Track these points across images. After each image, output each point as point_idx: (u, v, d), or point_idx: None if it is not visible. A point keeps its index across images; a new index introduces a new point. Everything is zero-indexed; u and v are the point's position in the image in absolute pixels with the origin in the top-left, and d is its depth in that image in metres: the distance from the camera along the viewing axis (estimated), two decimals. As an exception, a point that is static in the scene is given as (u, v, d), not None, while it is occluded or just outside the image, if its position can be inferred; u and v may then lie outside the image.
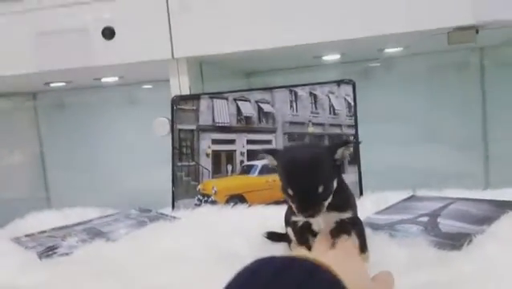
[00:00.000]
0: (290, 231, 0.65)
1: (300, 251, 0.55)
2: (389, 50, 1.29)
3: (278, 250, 0.70)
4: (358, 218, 0.60)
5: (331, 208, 0.55)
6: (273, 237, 0.73)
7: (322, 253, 0.51)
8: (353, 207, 0.60)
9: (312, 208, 0.52)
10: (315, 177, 0.51)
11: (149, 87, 1.82)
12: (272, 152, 0.57)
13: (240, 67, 1.42)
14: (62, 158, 1.84)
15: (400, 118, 1.52)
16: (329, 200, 0.53)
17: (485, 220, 0.73)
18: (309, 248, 0.58)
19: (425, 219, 0.78)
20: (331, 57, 1.31)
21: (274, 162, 0.57)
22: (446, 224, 0.74)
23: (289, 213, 0.65)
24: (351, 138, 0.92)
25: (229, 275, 0.62)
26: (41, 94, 1.81)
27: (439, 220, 0.77)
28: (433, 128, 1.58)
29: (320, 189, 0.51)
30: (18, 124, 1.81)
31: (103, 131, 1.77)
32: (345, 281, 0.37)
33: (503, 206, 0.80)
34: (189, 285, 0.58)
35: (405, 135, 1.60)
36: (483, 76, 1.53)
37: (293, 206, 0.54)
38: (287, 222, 0.66)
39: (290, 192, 0.52)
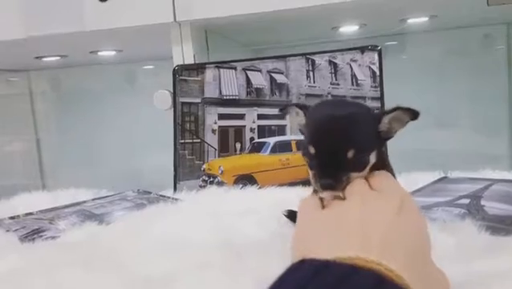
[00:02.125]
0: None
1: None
2: (412, 21, 1.17)
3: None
4: None
5: None
6: (293, 216, 0.63)
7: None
8: None
9: (334, 176, 0.40)
10: (346, 137, 0.40)
11: (151, 67, 1.73)
12: (302, 107, 0.46)
13: (248, 40, 1.31)
14: (58, 141, 1.74)
15: (420, 100, 1.41)
16: (360, 174, 0.41)
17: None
18: None
19: (466, 201, 0.68)
20: (349, 28, 1.20)
21: (303, 120, 0.45)
22: (492, 206, 0.64)
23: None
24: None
25: (238, 263, 0.53)
26: (35, 73, 1.71)
27: (483, 202, 0.66)
28: (455, 110, 1.48)
29: (350, 154, 0.39)
30: (12, 107, 1.71)
31: (101, 111, 1.66)
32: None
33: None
34: (193, 273, 0.48)
35: (424, 118, 1.49)
36: (510, 53, 1.42)
37: (311, 173, 0.42)
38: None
39: (312, 150, 0.40)
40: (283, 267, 0.48)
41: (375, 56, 0.86)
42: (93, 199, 0.90)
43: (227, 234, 0.60)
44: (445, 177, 0.84)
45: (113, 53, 1.35)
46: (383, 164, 0.43)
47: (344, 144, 0.39)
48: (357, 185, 0.40)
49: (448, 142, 1.38)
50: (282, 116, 0.90)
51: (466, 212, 0.62)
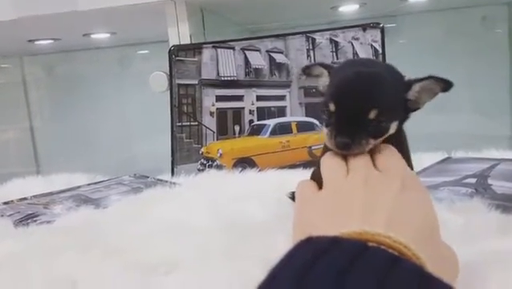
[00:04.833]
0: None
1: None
2: (413, 0, 1.14)
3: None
4: None
5: None
6: (296, 198, 0.61)
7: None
8: None
9: (353, 135, 0.37)
10: (371, 96, 0.37)
11: (145, 51, 1.70)
12: (327, 67, 0.43)
13: (246, 20, 1.27)
14: (52, 128, 1.71)
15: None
16: (378, 141, 0.39)
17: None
18: None
19: (473, 181, 0.66)
20: (349, 8, 1.17)
21: (327, 80, 0.42)
22: (500, 185, 0.62)
23: (317, 173, 0.53)
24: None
25: (242, 246, 0.51)
26: (28, 58, 1.67)
27: (490, 181, 0.65)
28: (455, 92, 1.45)
29: (372, 115, 0.37)
30: (5, 95, 1.68)
31: (96, 97, 1.63)
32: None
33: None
34: (197, 258, 0.46)
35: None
36: (511, 33, 1.39)
37: (327, 132, 0.39)
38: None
39: (332, 107, 0.38)
40: (289, 248, 0.47)
41: (378, 34, 0.84)
42: (89, 184, 0.87)
43: (229, 218, 0.58)
44: (449, 158, 0.83)
45: (107, 36, 1.32)
46: (397, 142, 0.41)
47: (367, 103, 0.37)
48: (360, 161, 0.38)
49: (448, 124, 1.36)
50: (282, 98, 0.88)
51: (474, 191, 0.61)
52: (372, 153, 0.39)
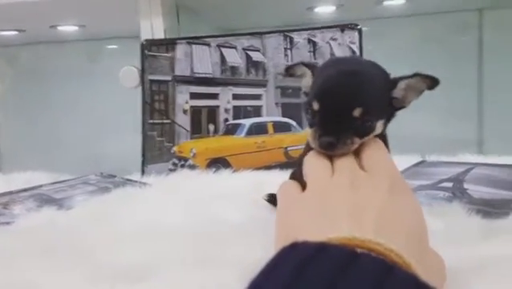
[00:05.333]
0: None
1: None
2: (388, 3, 1.15)
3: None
4: None
5: None
6: (274, 201, 0.59)
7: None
8: None
9: (338, 134, 0.36)
10: (355, 94, 0.36)
11: (114, 46, 1.64)
12: (310, 66, 0.41)
13: (221, 20, 1.25)
14: (16, 123, 1.63)
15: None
16: (363, 141, 0.37)
17: (523, 186, 0.62)
18: None
19: (449, 185, 0.65)
20: (326, 9, 1.16)
21: (310, 80, 0.41)
22: (476, 190, 0.62)
23: (297, 172, 0.51)
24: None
25: (220, 250, 0.48)
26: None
27: (466, 186, 0.64)
28: (427, 96, 1.47)
29: (356, 113, 0.35)
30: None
31: (62, 92, 1.57)
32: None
33: (535, 172, 0.68)
34: (171, 263, 0.43)
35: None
36: (481, 39, 1.42)
37: (311, 132, 0.37)
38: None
39: (316, 105, 0.37)
40: (268, 253, 0.45)
41: (356, 35, 0.83)
42: (52, 183, 0.83)
43: (204, 220, 0.56)
44: (424, 161, 0.83)
45: (75, 28, 1.26)
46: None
47: (352, 100, 0.36)
48: (346, 162, 0.36)
49: (419, 127, 1.37)
50: (258, 97, 0.86)
51: (451, 195, 0.60)
52: (359, 149, 0.37)
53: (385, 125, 0.39)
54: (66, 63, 1.54)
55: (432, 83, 0.38)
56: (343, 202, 0.32)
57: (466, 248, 0.43)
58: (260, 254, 0.43)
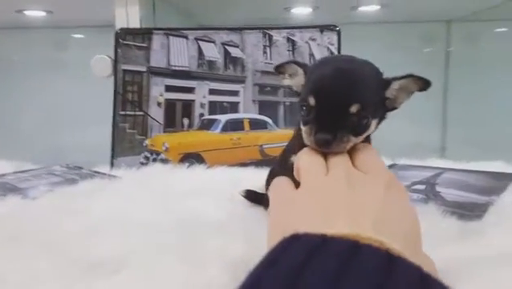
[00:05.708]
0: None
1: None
2: (363, 9, 1.16)
3: (254, 214, 0.55)
4: None
5: None
6: (251, 196, 0.59)
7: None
8: None
9: (334, 131, 0.35)
10: (352, 91, 0.35)
11: (83, 36, 1.59)
12: (302, 65, 0.40)
13: (198, 16, 1.23)
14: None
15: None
16: (358, 140, 0.37)
17: (491, 190, 0.64)
18: None
19: (422, 187, 0.67)
20: (302, 10, 1.17)
21: (302, 79, 0.40)
22: (449, 193, 0.64)
23: (277, 170, 0.50)
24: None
25: (197, 246, 0.47)
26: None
27: (438, 189, 0.66)
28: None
29: (353, 109, 0.35)
30: None
31: (27, 79, 1.50)
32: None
33: (500, 178, 0.71)
34: (145, 258, 0.41)
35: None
36: (448, 50, 1.47)
37: (306, 129, 0.37)
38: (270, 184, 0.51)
39: (312, 101, 0.36)
40: (248, 249, 0.44)
41: (335, 36, 0.83)
42: (15, 172, 0.78)
43: (180, 215, 0.54)
44: (395, 164, 0.84)
45: (42, 14, 1.21)
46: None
47: (349, 96, 0.35)
48: (340, 159, 0.36)
49: (385, 132, 1.40)
50: (235, 93, 0.85)
51: (425, 197, 0.61)
52: (351, 151, 0.37)
53: (376, 127, 0.39)
54: (31, 50, 1.47)
55: (425, 84, 0.38)
56: (340, 200, 0.32)
57: (446, 249, 0.44)
58: (241, 248, 0.43)
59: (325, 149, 0.36)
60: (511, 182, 0.68)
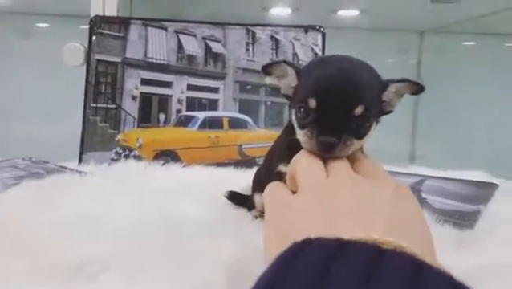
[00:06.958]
0: (258, 198, 0.49)
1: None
2: (343, 14, 1.16)
3: (237, 215, 0.52)
4: None
5: None
6: (234, 198, 0.56)
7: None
8: None
9: (339, 134, 0.33)
10: (357, 91, 0.34)
11: (45, 25, 1.51)
12: (293, 66, 0.38)
13: (175, 10, 1.18)
14: None
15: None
16: (359, 144, 0.35)
17: (477, 199, 0.63)
18: None
19: (408, 194, 0.66)
20: (282, 10, 1.15)
21: (293, 81, 0.37)
22: (434, 200, 0.63)
23: (264, 173, 0.47)
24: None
25: (182, 245, 0.43)
26: None
27: (423, 195, 0.65)
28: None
29: (358, 111, 0.33)
30: None
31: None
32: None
33: (483, 187, 0.71)
34: (126, 258, 0.37)
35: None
36: (420, 60, 1.50)
37: (306, 131, 0.34)
38: (257, 187, 0.49)
39: (313, 103, 0.34)
40: (237, 249, 0.41)
41: (319, 37, 0.82)
42: (-28, 164, 0.72)
43: (159, 215, 0.50)
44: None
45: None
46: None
47: (354, 98, 0.33)
48: (341, 163, 0.33)
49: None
50: (215, 90, 0.81)
51: (412, 204, 0.60)
52: (349, 159, 0.35)
53: (374, 129, 0.37)
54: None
55: (418, 89, 0.37)
56: (346, 203, 0.29)
57: (443, 257, 0.43)
58: (230, 249, 0.40)
59: (328, 153, 0.33)
60: (495, 192, 0.68)
